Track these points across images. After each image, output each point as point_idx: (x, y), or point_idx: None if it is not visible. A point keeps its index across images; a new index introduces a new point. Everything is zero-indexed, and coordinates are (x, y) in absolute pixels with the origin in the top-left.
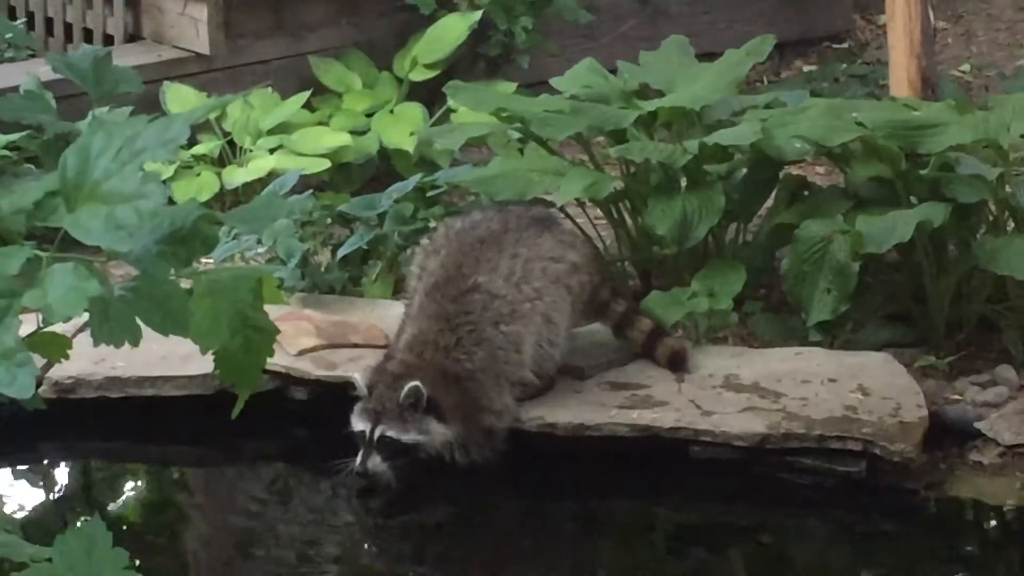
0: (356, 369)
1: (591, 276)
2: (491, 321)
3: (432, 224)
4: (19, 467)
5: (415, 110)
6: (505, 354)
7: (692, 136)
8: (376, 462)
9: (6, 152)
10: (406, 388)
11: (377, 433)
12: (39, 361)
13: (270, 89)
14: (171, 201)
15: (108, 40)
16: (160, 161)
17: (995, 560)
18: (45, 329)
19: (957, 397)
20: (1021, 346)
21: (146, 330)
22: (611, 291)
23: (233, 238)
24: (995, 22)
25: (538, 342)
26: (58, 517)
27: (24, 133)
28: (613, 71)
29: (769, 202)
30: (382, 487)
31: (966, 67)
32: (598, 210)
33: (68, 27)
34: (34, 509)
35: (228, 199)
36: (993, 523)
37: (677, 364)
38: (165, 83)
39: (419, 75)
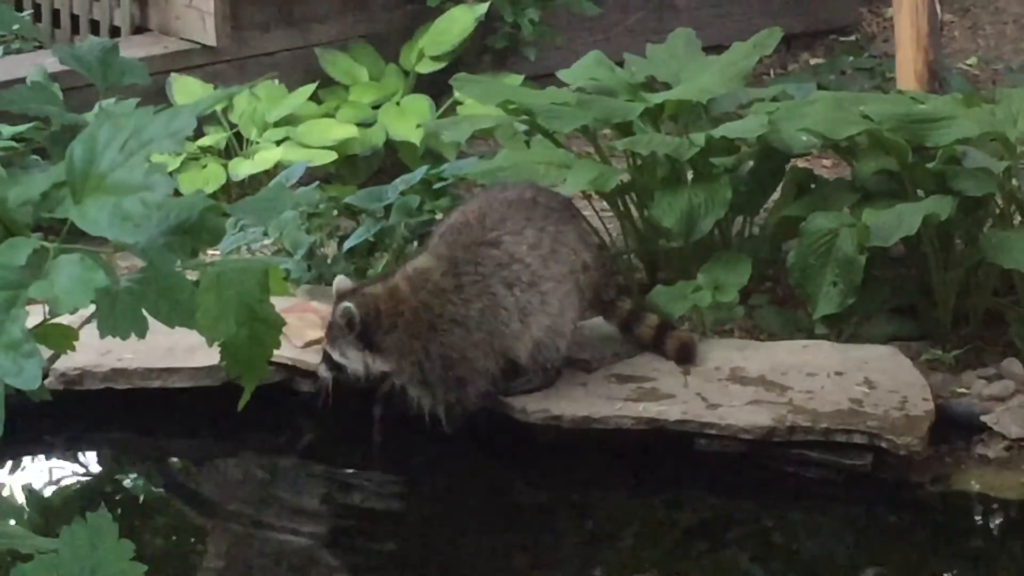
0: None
1: (597, 277)
2: (504, 281)
3: (439, 216)
4: (24, 458)
5: (421, 102)
6: (508, 318)
7: (699, 129)
8: (322, 370)
9: (13, 143)
10: (340, 307)
11: (324, 342)
12: (45, 352)
13: (276, 81)
14: (177, 193)
15: (115, 32)
16: (166, 152)
17: (1001, 554)
18: (51, 320)
19: (963, 390)
20: None
21: (152, 322)
22: (617, 289)
23: (239, 230)
24: (1002, 15)
25: (548, 327)
26: (64, 509)
27: (31, 124)
28: (620, 64)
29: (775, 195)
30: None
31: (973, 60)
32: (604, 202)
33: (75, 18)
34: (40, 501)
35: (234, 191)
36: (999, 517)
37: (686, 356)
38: (172, 75)
39: (426, 67)
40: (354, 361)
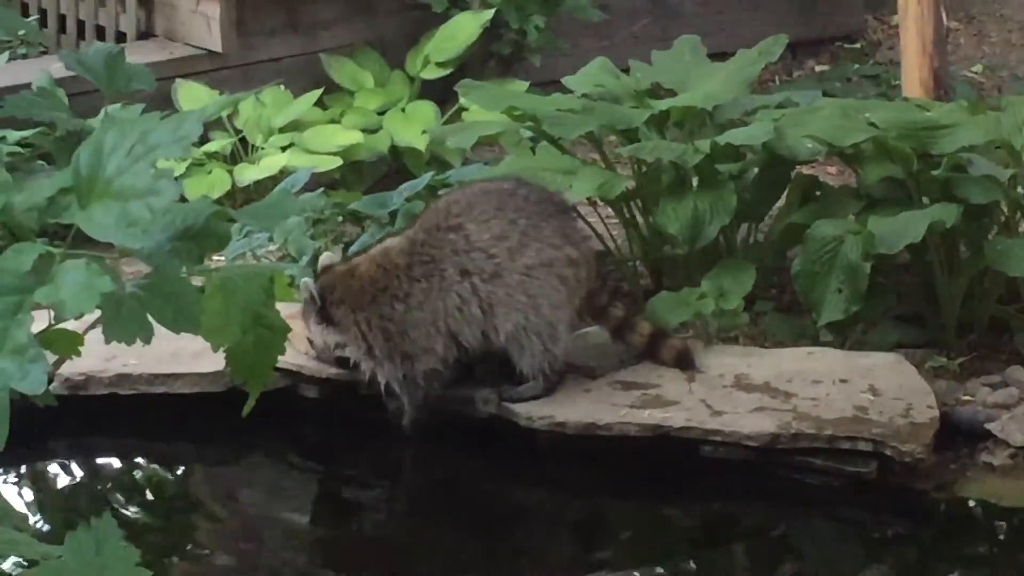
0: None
1: (588, 275)
2: (458, 267)
3: None
4: (29, 464)
5: (427, 108)
6: (462, 304)
7: (704, 136)
8: (307, 346)
9: (19, 149)
10: (302, 281)
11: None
12: (50, 357)
13: (282, 87)
14: (183, 198)
15: (120, 37)
16: (172, 158)
17: (1005, 562)
18: (57, 325)
19: (968, 398)
20: None
21: (157, 327)
22: (610, 295)
23: (245, 235)
24: (1008, 23)
25: (521, 325)
26: (68, 514)
27: (37, 130)
28: (625, 70)
29: (781, 202)
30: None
31: (978, 68)
32: (609, 209)
33: (80, 24)
34: (45, 506)
35: (240, 196)
36: (1003, 524)
37: (685, 362)
38: (177, 80)
39: (431, 73)
40: (316, 335)
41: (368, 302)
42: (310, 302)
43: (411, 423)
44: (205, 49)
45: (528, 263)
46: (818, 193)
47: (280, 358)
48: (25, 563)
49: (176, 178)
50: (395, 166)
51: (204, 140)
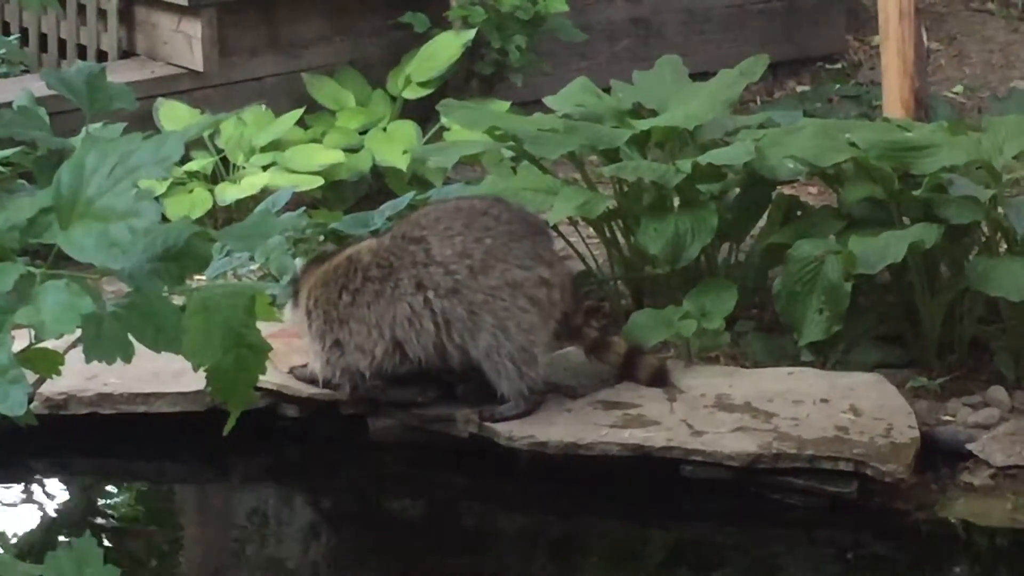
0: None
1: (564, 296)
2: (415, 279)
3: None
4: (9, 484)
5: (408, 128)
6: (415, 318)
7: (685, 156)
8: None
9: (0, 168)
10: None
11: None
12: (31, 377)
13: (264, 106)
14: (164, 218)
15: (102, 56)
16: (154, 178)
17: None
18: (37, 345)
19: (949, 418)
20: (1013, 367)
21: (138, 347)
22: (585, 315)
23: (226, 255)
24: (988, 43)
25: (493, 346)
26: (49, 534)
27: (17, 149)
28: (607, 90)
29: (762, 222)
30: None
31: (959, 88)
32: (591, 229)
33: (62, 43)
34: (25, 526)
35: (221, 216)
36: (984, 545)
37: (660, 381)
38: (159, 100)
39: (413, 93)
40: (286, 313)
41: (322, 285)
42: (291, 282)
43: (323, 381)
44: (186, 68)
45: (492, 283)
46: (799, 213)
47: (261, 377)
48: None
49: (157, 198)
50: (377, 185)
51: (185, 159)
